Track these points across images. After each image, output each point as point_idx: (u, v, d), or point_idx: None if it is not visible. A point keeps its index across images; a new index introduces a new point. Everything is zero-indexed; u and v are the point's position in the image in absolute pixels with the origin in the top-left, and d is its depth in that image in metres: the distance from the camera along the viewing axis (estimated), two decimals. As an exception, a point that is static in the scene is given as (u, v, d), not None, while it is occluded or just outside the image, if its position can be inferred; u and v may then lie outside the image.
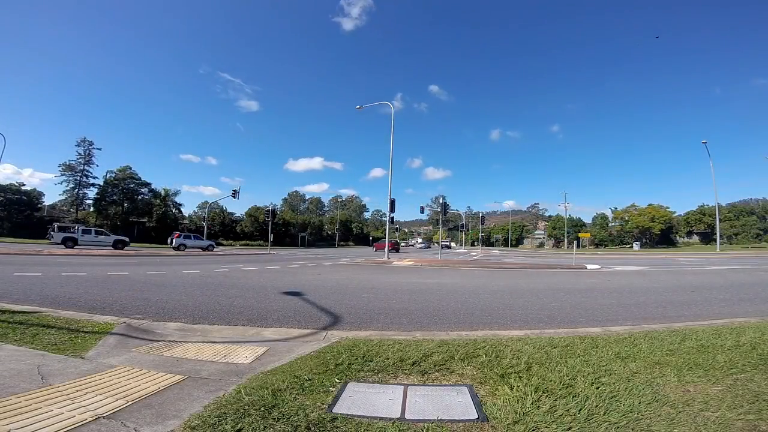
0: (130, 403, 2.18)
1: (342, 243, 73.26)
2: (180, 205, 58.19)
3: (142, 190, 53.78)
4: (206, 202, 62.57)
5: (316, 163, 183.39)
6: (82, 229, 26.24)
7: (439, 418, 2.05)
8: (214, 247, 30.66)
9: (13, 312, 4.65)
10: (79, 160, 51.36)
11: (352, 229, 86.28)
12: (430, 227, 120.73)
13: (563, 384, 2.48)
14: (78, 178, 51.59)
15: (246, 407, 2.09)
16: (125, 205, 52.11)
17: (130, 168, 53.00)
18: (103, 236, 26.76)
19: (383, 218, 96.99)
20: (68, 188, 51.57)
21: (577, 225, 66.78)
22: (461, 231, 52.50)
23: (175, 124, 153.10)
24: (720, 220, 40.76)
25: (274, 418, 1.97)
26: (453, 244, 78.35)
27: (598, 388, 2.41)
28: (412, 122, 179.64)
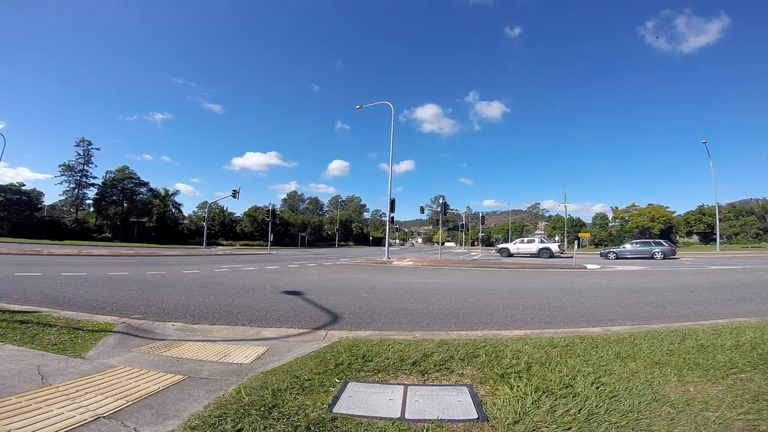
0: (130, 403, 2.18)
1: (342, 243, 73.29)
2: (180, 205, 58.28)
3: (142, 190, 53.86)
4: (206, 202, 62.56)
5: (273, 158, 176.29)
6: None
7: (439, 418, 2.05)
8: None
9: (13, 312, 4.65)
10: (79, 161, 51.43)
11: (352, 229, 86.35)
12: (430, 227, 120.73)
13: (563, 384, 2.48)
14: (78, 178, 51.64)
15: (246, 407, 2.09)
16: (125, 205, 52.16)
17: (129, 168, 53.10)
18: None
19: (383, 218, 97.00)
20: (68, 188, 51.62)
21: (577, 225, 66.79)
22: (461, 231, 52.47)
23: (122, 123, 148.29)
24: (720, 219, 40.73)
25: (274, 418, 1.97)
26: (453, 244, 78.67)
27: (598, 388, 2.41)
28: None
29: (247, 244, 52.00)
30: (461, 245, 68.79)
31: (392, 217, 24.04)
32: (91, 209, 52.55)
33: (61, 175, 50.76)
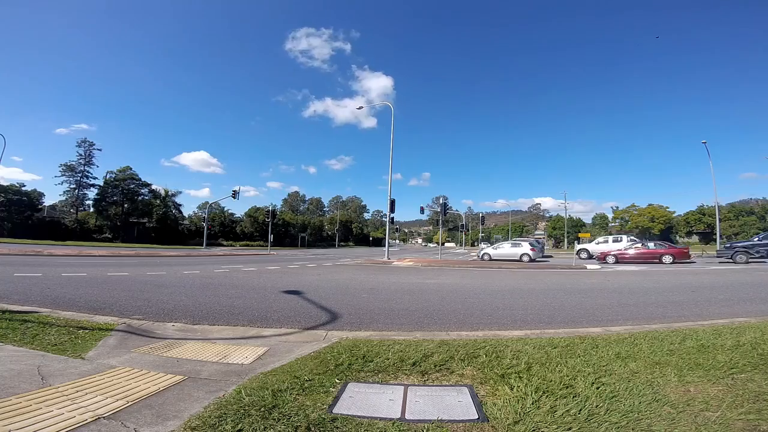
0: (130, 403, 2.18)
1: (342, 243, 73.29)
2: (180, 205, 58.25)
3: (142, 190, 53.80)
4: (206, 203, 62.62)
5: (208, 158, 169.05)
6: None
7: (439, 418, 2.05)
8: None
9: (14, 312, 4.65)
10: (80, 161, 51.47)
11: (352, 230, 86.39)
12: (430, 227, 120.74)
13: (563, 384, 2.48)
14: (78, 178, 51.65)
15: (246, 408, 2.09)
16: (125, 205, 52.12)
17: (131, 168, 53.08)
18: None
19: (383, 219, 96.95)
20: (68, 189, 51.63)
21: (577, 225, 66.81)
22: (461, 231, 52.54)
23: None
24: (720, 219, 40.66)
25: (275, 419, 1.97)
26: (453, 244, 78.94)
27: (598, 388, 2.41)
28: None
29: (248, 245, 51.98)
30: (461, 245, 68.83)
31: (392, 218, 24.04)
32: (92, 210, 52.56)
33: (62, 175, 50.81)
